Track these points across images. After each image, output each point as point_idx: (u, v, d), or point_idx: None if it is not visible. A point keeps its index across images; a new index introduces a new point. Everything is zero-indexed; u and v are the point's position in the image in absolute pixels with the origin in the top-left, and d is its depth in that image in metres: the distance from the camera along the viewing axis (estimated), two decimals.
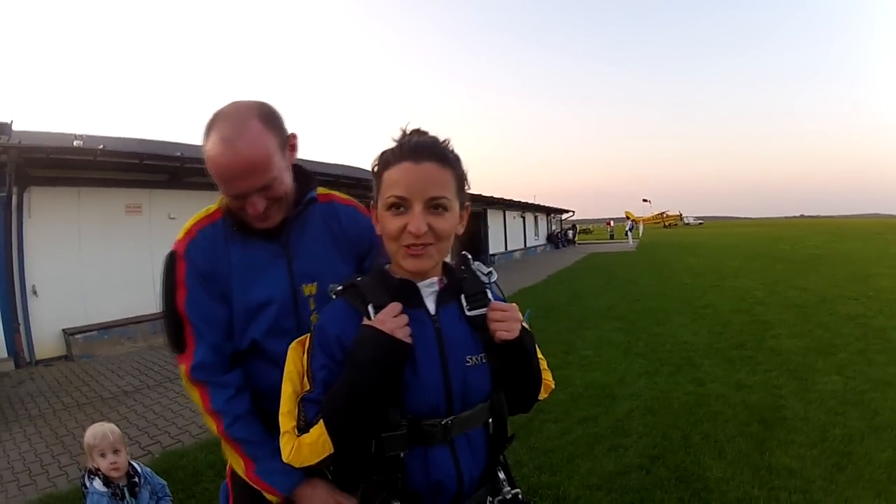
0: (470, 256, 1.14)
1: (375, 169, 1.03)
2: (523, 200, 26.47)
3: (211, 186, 1.18)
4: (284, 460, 1.01)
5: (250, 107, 1.18)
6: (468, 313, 1.06)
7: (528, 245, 28.17)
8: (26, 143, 6.89)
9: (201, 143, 1.16)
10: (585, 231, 58.91)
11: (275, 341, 1.24)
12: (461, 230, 1.08)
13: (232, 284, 1.24)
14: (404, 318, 0.98)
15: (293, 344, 1.10)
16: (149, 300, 7.72)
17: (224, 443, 1.26)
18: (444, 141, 1.03)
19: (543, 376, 1.16)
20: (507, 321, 1.02)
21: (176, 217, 8.41)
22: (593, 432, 3.77)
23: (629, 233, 37.23)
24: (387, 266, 1.09)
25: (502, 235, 23.88)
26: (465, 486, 1.02)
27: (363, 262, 1.37)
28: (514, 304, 1.07)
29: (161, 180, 8.65)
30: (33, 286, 7.50)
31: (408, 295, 1.03)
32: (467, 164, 1.06)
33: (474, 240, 21.83)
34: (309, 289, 1.29)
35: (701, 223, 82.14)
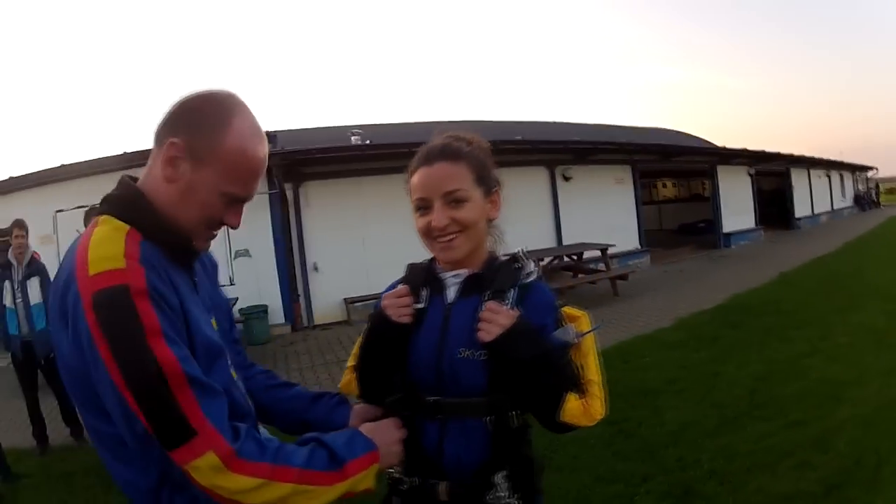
0: (522, 252, 1.18)
1: (406, 179, 1.16)
2: (827, 157, 22.78)
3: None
4: (339, 387, 1.25)
5: None
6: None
7: (834, 207, 24.38)
8: (298, 145, 8.53)
9: (213, 129, 0.92)
10: (892, 191, 45.19)
11: (235, 390, 1.02)
12: (495, 214, 1.17)
13: (190, 325, 0.90)
14: (404, 301, 1.12)
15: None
16: None
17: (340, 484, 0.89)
18: (460, 139, 1.15)
19: (588, 400, 1.05)
20: (491, 322, 1.03)
21: None
22: (794, 440, 3.30)
23: None
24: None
25: (807, 197, 20.80)
26: (445, 463, 1.08)
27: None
28: (509, 312, 1.04)
29: None
30: (314, 263, 8.81)
31: (432, 282, 1.17)
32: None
33: (779, 202, 19.43)
34: (214, 324, 1.05)
35: None
